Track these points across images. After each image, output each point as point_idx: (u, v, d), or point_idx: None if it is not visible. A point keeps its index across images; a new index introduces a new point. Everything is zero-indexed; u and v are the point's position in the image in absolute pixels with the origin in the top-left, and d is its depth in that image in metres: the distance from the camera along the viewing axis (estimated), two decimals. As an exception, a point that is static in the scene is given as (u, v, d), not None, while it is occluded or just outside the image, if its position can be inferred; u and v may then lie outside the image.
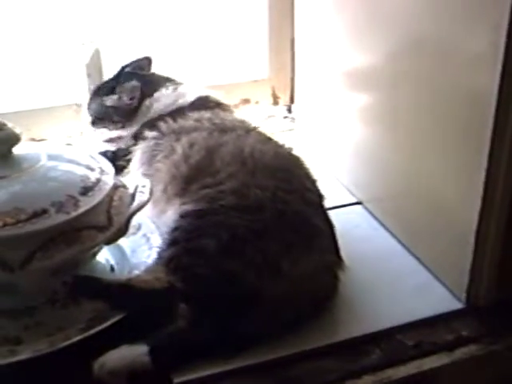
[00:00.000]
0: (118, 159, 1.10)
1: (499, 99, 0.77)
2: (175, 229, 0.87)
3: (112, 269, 0.97)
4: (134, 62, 1.20)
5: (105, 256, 0.99)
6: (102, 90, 1.19)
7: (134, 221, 1.06)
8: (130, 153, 1.10)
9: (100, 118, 1.18)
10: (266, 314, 0.82)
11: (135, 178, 1.03)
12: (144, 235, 1.01)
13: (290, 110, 1.52)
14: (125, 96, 1.14)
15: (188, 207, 0.89)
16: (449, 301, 0.92)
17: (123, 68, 1.20)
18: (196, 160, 0.96)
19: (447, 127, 0.88)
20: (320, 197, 0.96)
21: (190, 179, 0.94)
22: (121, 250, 1.01)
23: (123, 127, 1.16)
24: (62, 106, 1.35)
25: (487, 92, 0.78)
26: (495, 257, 0.87)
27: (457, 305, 0.91)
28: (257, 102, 1.50)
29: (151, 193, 0.93)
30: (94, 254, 0.93)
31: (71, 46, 1.34)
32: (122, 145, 1.15)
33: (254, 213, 0.85)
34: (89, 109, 1.20)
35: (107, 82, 1.21)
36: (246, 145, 0.97)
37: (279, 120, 1.50)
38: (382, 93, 1.06)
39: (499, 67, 0.76)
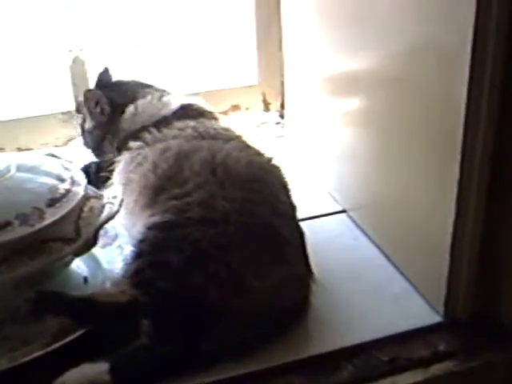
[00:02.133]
0: (103, 170, 1.09)
1: (468, 104, 0.75)
2: (141, 241, 0.85)
3: (85, 280, 0.96)
4: (97, 79, 1.18)
5: (79, 267, 0.98)
6: (82, 122, 1.17)
7: (111, 231, 1.07)
8: (113, 164, 1.09)
9: (94, 148, 1.16)
10: (230, 329, 0.80)
11: (114, 190, 1.01)
12: (119, 246, 1.00)
13: (282, 116, 1.50)
14: (91, 107, 1.12)
15: (155, 219, 0.87)
16: (426, 313, 0.89)
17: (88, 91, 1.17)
18: (164, 169, 0.94)
19: (420, 136, 0.86)
20: (292, 207, 0.94)
21: (158, 189, 0.92)
22: (96, 261, 0.99)
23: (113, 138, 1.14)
24: (49, 115, 1.35)
25: (457, 96, 0.76)
26: (472, 268, 0.84)
27: (435, 318, 0.88)
28: (247, 109, 1.48)
29: (121, 204, 0.92)
30: (65, 265, 0.92)
31: (57, 54, 1.33)
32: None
33: (219, 226, 0.83)
34: (87, 144, 1.18)
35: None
36: (220, 152, 0.95)
37: (271, 126, 1.48)
38: (364, 98, 1.04)
39: (467, 69, 0.73)
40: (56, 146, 1.36)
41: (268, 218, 0.87)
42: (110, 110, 1.12)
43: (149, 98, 1.13)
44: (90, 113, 1.14)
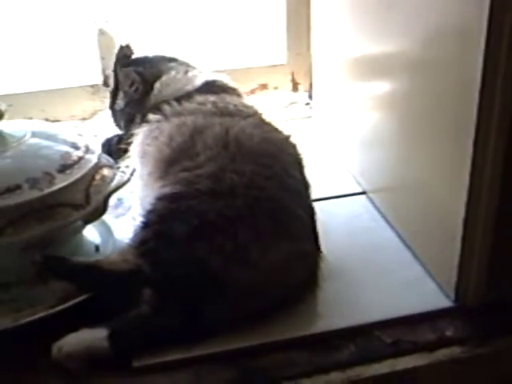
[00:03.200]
0: (124, 143, 1.09)
1: (482, 90, 0.73)
2: (150, 211, 0.84)
3: (97, 249, 0.96)
4: (117, 55, 1.15)
5: (92, 235, 0.99)
6: (112, 100, 1.16)
7: (126, 202, 1.07)
8: (132, 136, 1.08)
9: (126, 125, 1.14)
10: (233, 303, 0.79)
11: (130, 161, 1.02)
12: (133, 217, 1.01)
13: (311, 97, 1.48)
14: (126, 88, 1.11)
15: (165, 190, 0.87)
16: (437, 298, 0.87)
17: (115, 66, 1.15)
18: (178, 142, 0.93)
19: (438, 120, 0.84)
20: (306, 185, 0.92)
21: (171, 162, 0.91)
22: (109, 231, 1.00)
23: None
24: (77, 88, 1.36)
25: (473, 81, 0.74)
26: (484, 254, 0.81)
27: (445, 303, 0.86)
28: (275, 88, 1.47)
29: (132, 173, 0.92)
30: (76, 232, 0.93)
31: (86, 26, 1.34)
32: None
33: (227, 198, 0.82)
34: (116, 122, 1.17)
35: (112, 92, 1.17)
36: (234, 128, 0.93)
37: (300, 107, 1.46)
38: (387, 82, 1.02)
39: (482, 46, 0.71)
40: (83, 119, 1.37)
41: (277, 193, 0.85)
42: (142, 88, 1.12)
43: (173, 73, 1.11)
44: (125, 92, 1.13)
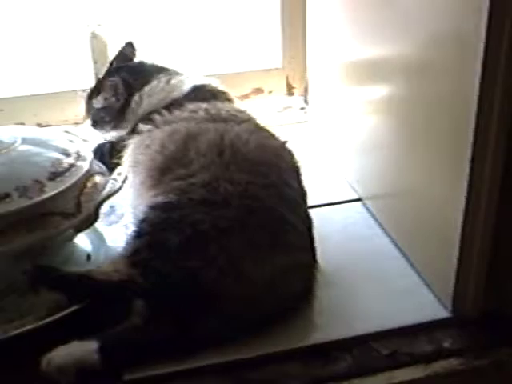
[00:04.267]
0: (115, 151, 1.07)
1: (481, 96, 0.71)
2: (142, 221, 0.83)
3: (88, 257, 0.95)
4: (118, 54, 1.16)
5: (83, 244, 0.97)
6: (93, 91, 1.15)
7: (119, 210, 1.06)
8: (125, 147, 1.06)
9: (95, 121, 1.14)
10: (225, 315, 0.78)
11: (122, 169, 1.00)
12: (125, 225, 0.99)
13: (307, 101, 1.46)
14: (108, 95, 1.10)
15: (158, 199, 0.85)
16: (434, 309, 0.85)
17: (111, 64, 1.16)
18: (171, 150, 0.91)
19: (435, 127, 0.82)
20: (303, 193, 0.91)
21: (164, 170, 0.90)
22: (101, 239, 0.99)
23: (115, 127, 1.12)
24: (69, 92, 1.34)
25: (471, 87, 0.72)
26: (483, 264, 0.79)
27: (442, 313, 0.84)
28: (270, 92, 1.45)
29: (124, 181, 0.91)
30: (67, 240, 0.91)
31: (77, 30, 1.32)
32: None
33: (221, 208, 0.81)
34: (87, 112, 1.16)
35: (97, 82, 1.16)
36: (229, 134, 0.92)
37: (295, 111, 1.45)
38: (384, 86, 1.00)
39: (481, 51, 0.70)
40: (76, 123, 1.35)
41: (273, 203, 0.84)
42: (125, 97, 1.10)
43: (155, 82, 1.10)
44: (105, 99, 1.12)
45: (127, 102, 1.09)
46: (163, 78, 1.10)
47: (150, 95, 1.08)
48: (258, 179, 0.85)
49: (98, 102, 1.12)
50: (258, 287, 0.79)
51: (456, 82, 0.77)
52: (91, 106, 1.14)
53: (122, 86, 1.09)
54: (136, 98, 1.09)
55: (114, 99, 1.10)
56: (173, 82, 1.09)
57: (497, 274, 0.80)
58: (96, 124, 1.14)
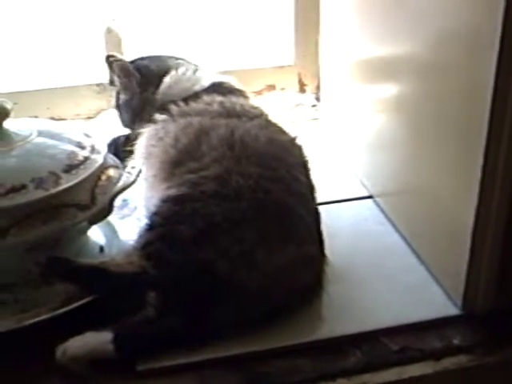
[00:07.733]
0: (130, 141, 1.08)
1: (495, 94, 0.71)
2: (155, 213, 0.84)
3: (101, 249, 0.96)
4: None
5: (96, 236, 0.98)
6: (117, 98, 1.15)
7: (132, 203, 1.06)
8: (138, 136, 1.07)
9: (133, 122, 1.13)
10: (237, 305, 0.78)
11: (136, 161, 1.01)
12: (138, 218, 1.00)
13: (318, 99, 1.47)
14: (123, 79, 1.10)
15: (170, 192, 0.86)
16: (444, 305, 0.86)
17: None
18: (184, 144, 0.92)
19: (444, 120, 0.83)
20: (311, 188, 0.92)
21: (177, 163, 0.91)
22: (114, 232, 0.99)
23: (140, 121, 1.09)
24: (83, 86, 1.35)
25: (484, 85, 0.72)
26: (494, 260, 0.80)
27: (452, 310, 0.85)
28: (282, 89, 1.46)
29: (138, 174, 0.91)
30: (81, 233, 0.92)
31: (93, 24, 1.33)
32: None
33: (233, 201, 0.82)
34: (124, 125, 1.16)
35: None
36: (239, 129, 0.93)
37: (306, 109, 1.45)
38: (396, 84, 1.00)
39: (497, 48, 0.70)
40: (89, 118, 1.36)
41: (282, 196, 0.85)
42: (139, 80, 1.10)
43: (183, 69, 1.10)
44: (122, 84, 1.12)
45: (156, 89, 1.09)
46: (190, 67, 1.10)
47: (177, 82, 1.08)
48: (268, 173, 0.86)
49: (122, 96, 1.12)
50: (269, 277, 0.79)
51: (469, 80, 0.77)
52: (122, 110, 1.14)
53: (130, 66, 1.09)
54: (167, 79, 1.08)
55: (128, 80, 1.10)
56: (198, 74, 1.10)
57: (507, 272, 0.81)
58: (135, 123, 1.12)
